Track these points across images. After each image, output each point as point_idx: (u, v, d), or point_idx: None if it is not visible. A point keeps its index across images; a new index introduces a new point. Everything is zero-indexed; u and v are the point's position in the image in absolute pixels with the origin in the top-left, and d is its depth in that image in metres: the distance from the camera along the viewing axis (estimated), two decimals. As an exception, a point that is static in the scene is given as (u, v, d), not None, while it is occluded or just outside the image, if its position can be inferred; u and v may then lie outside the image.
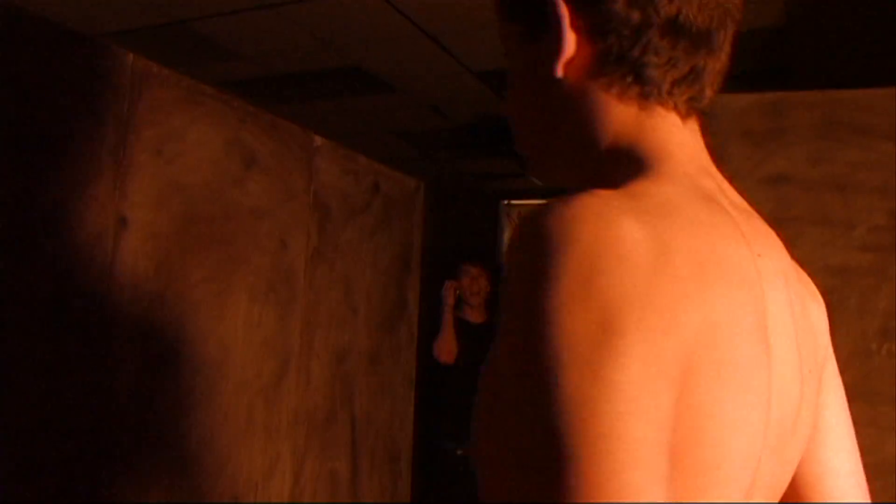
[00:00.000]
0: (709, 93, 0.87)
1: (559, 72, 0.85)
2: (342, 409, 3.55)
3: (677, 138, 0.86)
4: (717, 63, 0.86)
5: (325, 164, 3.31)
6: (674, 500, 0.64)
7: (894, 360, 2.13)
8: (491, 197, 5.49)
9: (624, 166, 0.82)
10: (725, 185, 0.92)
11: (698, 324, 0.66)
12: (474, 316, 4.69)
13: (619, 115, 0.86)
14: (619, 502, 0.54)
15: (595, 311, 0.60)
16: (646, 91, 0.84)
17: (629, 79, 0.84)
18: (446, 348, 4.65)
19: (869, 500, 1.04)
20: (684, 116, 0.88)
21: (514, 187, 5.50)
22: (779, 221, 0.98)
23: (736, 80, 1.00)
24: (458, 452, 4.43)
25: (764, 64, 2.88)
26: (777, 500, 0.91)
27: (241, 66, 3.34)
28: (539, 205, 0.67)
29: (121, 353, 2.35)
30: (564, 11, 0.83)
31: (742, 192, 0.94)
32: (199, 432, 2.64)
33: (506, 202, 5.56)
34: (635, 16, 0.81)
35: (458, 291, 4.67)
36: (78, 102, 2.21)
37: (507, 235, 5.55)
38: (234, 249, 2.77)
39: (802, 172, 2.22)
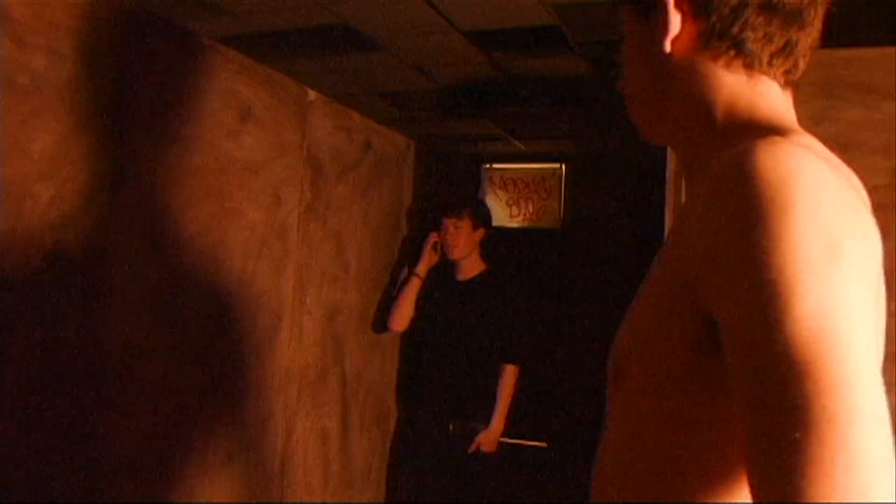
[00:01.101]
0: (802, 65, 0.98)
1: (667, 47, 0.97)
2: (333, 367, 3.55)
3: (784, 105, 0.98)
4: (808, 37, 0.96)
5: (318, 120, 3.28)
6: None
7: (894, 318, 2.15)
8: (472, 159, 5.46)
9: (754, 126, 0.93)
10: None
11: (877, 252, 0.79)
12: (462, 272, 4.04)
13: (730, 82, 0.96)
14: (864, 397, 0.67)
15: (824, 237, 0.72)
16: (748, 62, 0.95)
17: (732, 52, 0.95)
18: (400, 315, 3.96)
19: None
20: (783, 87, 0.98)
21: (497, 150, 5.47)
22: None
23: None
24: (450, 430, 3.77)
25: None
26: None
27: (230, 22, 3.27)
28: (740, 152, 0.78)
29: (116, 305, 2.32)
30: None
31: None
32: (193, 387, 2.62)
33: (487, 165, 5.54)
34: None
35: (438, 245, 4.08)
36: (75, 48, 2.15)
37: (489, 199, 5.51)
38: (229, 203, 2.73)
39: (807, 131, 2.22)
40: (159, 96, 2.42)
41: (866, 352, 0.70)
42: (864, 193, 0.92)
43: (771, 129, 0.90)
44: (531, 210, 5.48)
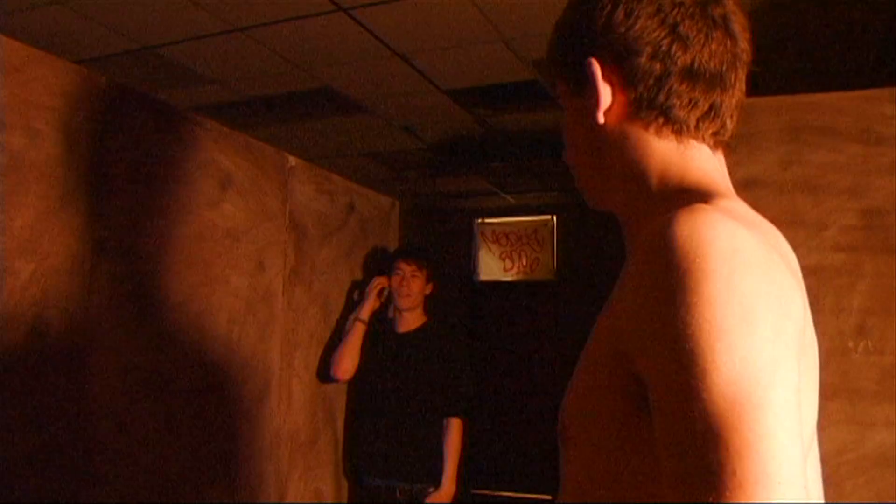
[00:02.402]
0: (729, 125, 1.02)
1: (600, 118, 1.01)
2: (324, 428, 3.53)
3: (713, 167, 1.02)
4: (732, 98, 1.00)
5: (299, 185, 3.32)
6: None
7: (871, 357, 2.16)
8: (463, 215, 5.48)
9: (684, 190, 0.97)
10: None
11: (798, 308, 0.83)
12: (403, 324, 3.75)
13: (662, 149, 1.01)
14: (772, 459, 0.69)
15: (736, 304, 0.75)
16: (676, 128, 0.99)
17: (661, 119, 0.99)
18: (344, 362, 3.58)
19: None
20: (713, 148, 1.03)
21: (486, 205, 5.50)
22: (753, 225, 1.05)
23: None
24: (398, 495, 3.51)
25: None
26: None
27: (212, 91, 3.33)
28: (662, 223, 0.81)
29: (100, 377, 2.33)
30: (597, 69, 1.00)
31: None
32: (180, 455, 2.61)
33: (479, 220, 5.57)
34: (657, 67, 0.97)
35: (385, 291, 3.76)
36: (51, 126, 2.20)
37: (482, 253, 5.52)
38: (213, 271, 2.76)
39: (774, 176, 2.25)
40: (138, 168, 2.46)
41: (782, 412, 0.72)
42: (788, 252, 0.97)
43: (699, 194, 0.95)
44: (525, 262, 5.51)
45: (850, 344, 2.19)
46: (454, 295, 5.31)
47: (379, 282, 3.74)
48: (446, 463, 3.52)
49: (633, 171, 1.02)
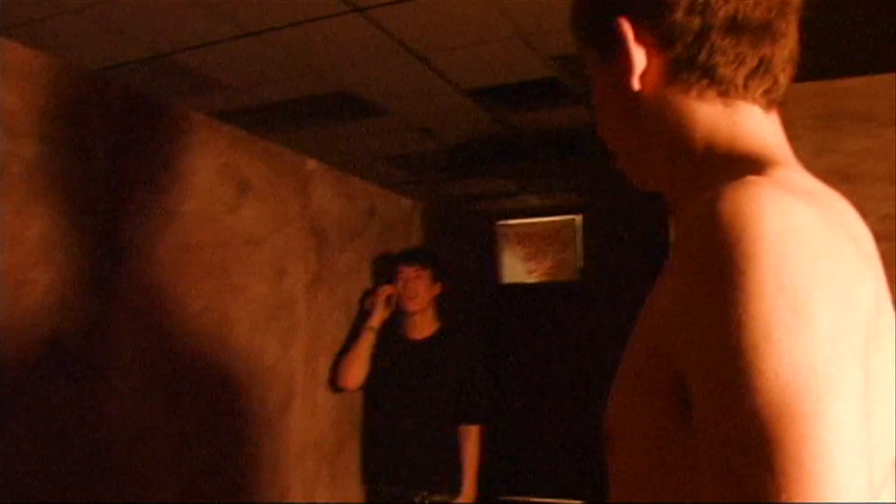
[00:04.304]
0: (782, 80, 0.90)
1: (636, 85, 0.90)
2: (350, 437, 3.49)
3: (767, 130, 0.90)
4: (783, 50, 0.89)
5: (319, 189, 3.28)
6: None
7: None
8: (485, 217, 5.43)
9: (735, 160, 0.86)
10: None
11: (868, 296, 0.71)
12: (415, 331, 3.67)
13: (706, 114, 0.89)
14: (825, 485, 0.60)
15: (788, 296, 0.64)
16: (722, 90, 0.88)
17: (704, 81, 0.88)
18: (352, 371, 3.50)
19: None
20: (765, 109, 0.90)
21: (509, 206, 5.46)
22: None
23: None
24: (416, 501, 3.43)
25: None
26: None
27: (228, 97, 3.30)
28: (706, 201, 0.71)
29: (119, 386, 2.29)
30: (628, 29, 0.89)
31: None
32: (201, 467, 2.57)
33: (501, 222, 5.52)
34: (695, 22, 0.86)
35: (393, 299, 3.66)
36: (67, 134, 2.17)
37: (505, 256, 5.48)
38: (232, 278, 2.72)
39: (807, 165, 2.18)
40: (155, 175, 2.42)
41: (841, 425, 0.63)
42: (859, 229, 0.84)
43: (751, 164, 0.84)
44: (549, 264, 5.44)
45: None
46: (478, 298, 5.26)
47: (385, 290, 3.66)
48: (466, 470, 3.47)
49: (675, 142, 0.91)
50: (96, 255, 2.24)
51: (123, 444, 2.29)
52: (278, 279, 2.96)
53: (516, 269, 5.48)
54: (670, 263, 0.80)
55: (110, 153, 2.29)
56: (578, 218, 5.30)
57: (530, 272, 5.45)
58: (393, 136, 3.88)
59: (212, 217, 2.63)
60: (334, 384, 3.54)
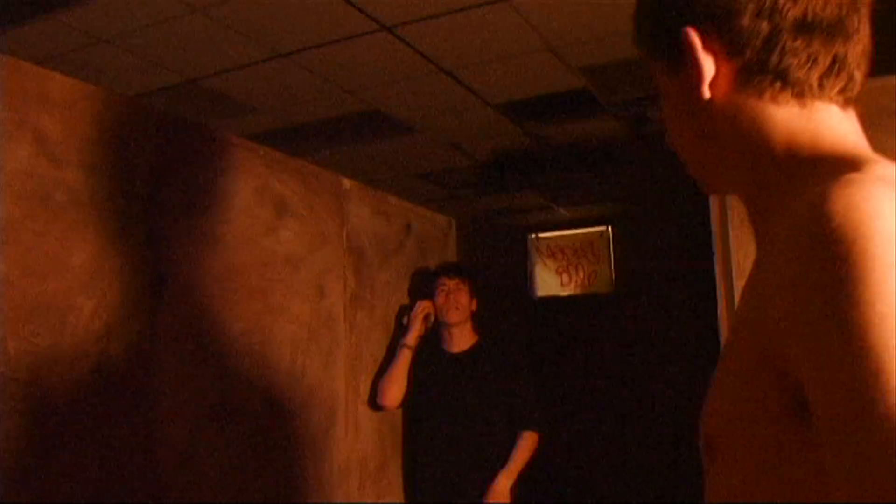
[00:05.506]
0: (858, 78, 0.88)
1: (706, 93, 0.89)
2: (393, 455, 3.47)
3: (848, 128, 0.88)
4: (857, 47, 0.87)
5: (356, 207, 3.29)
6: None
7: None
8: (518, 231, 5.41)
9: (820, 158, 0.84)
10: None
11: None
12: (454, 344, 3.63)
13: (783, 117, 0.88)
14: None
15: None
16: (797, 91, 0.86)
17: (777, 84, 0.86)
18: (390, 390, 3.47)
19: None
20: (842, 107, 0.88)
21: (541, 220, 5.44)
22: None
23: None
24: None
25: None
26: None
27: (258, 120, 3.31)
28: (812, 200, 0.69)
29: (166, 410, 2.30)
30: (695, 38, 0.88)
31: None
32: (248, 488, 2.57)
33: (534, 236, 5.50)
34: (763, 26, 0.85)
35: (431, 315, 3.64)
36: (107, 160, 2.19)
37: (538, 269, 5.46)
38: (273, 299, 2.72)
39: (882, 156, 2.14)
40: (193, 199, 2.44)
41: None
42: None
43: (842, 162, 0.81)
44: (582, 276, 5.40)
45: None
46: (512, 314, 5.23)
47: (423, 306, 3.63)
48: (509, 465, 3.39)
49: (753, 147, 0.90)
50: (139, 279, 2.25)
51: (172, 465, 2.29)
52: (318, 299, 2.96)
53: (549, 282, 5.46)
54: (766, 262, 0.79)
55: (150, 178, 2.31)
56: (610, 229, 5.27)
57: (563, 285, 5.42)
58: (424, 152, 3.89)
59: (251, 238, 2.65)
60: (374, 403, 3.51)
